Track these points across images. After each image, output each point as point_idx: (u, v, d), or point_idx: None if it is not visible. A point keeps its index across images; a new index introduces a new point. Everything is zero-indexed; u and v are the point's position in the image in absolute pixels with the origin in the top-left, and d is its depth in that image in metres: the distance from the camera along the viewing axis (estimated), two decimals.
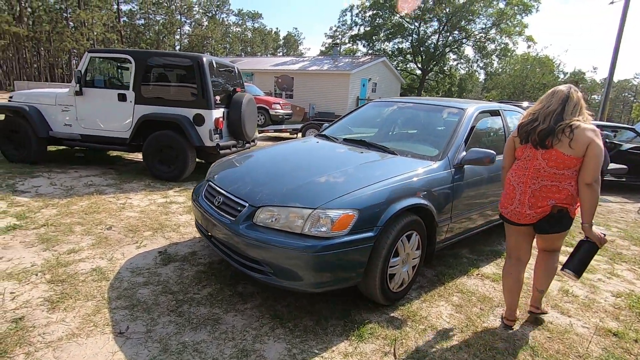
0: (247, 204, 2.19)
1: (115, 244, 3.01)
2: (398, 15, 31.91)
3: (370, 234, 2.05)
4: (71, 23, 42.40)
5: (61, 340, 1.86)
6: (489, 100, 21.96)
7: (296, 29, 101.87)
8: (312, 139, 3.51)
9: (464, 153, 2.70)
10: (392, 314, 2.31)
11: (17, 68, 41.46)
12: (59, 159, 5.90)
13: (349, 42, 41.01)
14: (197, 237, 3.26)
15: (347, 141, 3.22)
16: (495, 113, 3.42)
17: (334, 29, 52.63)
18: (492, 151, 2.57)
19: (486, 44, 32.42)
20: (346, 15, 41.63)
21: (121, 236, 3.16)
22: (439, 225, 2.52)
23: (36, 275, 2.45)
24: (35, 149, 5.27)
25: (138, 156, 6.12)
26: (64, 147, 5.68)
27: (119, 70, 6.13)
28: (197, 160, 5.16)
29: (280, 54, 68.19)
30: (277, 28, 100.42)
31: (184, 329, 2.03)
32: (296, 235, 1.99)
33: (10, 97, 5.51)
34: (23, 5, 39.42)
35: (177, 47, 54.69)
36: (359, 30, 36.99)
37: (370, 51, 35.10)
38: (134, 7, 49.22)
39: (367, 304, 2.37)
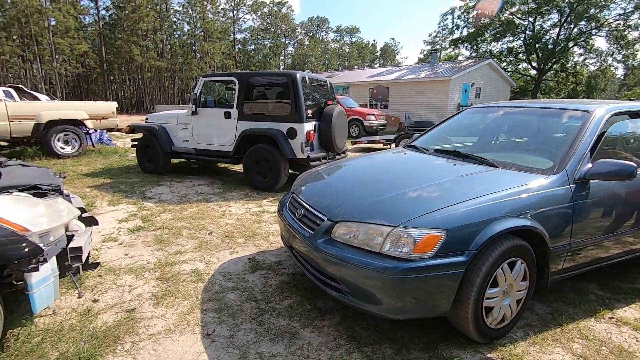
0: (325, 218, 2.14)
1: (213, 248, 3.30)
2: (500, 14, 28.89)
3: (460, 258, 1.78)
4: (198, 54, 49.96)
5: (160, 334, 2.07)
6: (630, 99, 18.14)
7: (393, 39, 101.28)
8: (401, 150, 3.32)
9: (590, 165, 2.19)
10: (488, 355, 1.97)
11: (158, 94, 50.46)
12: (179, 170, 6.86)
13: (449, 47, 38.87)
14: (283, 247, 3.36)
15: (438, 152, 2.94)
16: (636, 115, 2.72)
17: (433, 34, 50.62)
18: (631, 163, 2.03)
19: (626, 32, 27.01)
20: (447, 18, 39.65)
21: (218, 241, 3.45)
22: (553, 253, 2.08)
23: (149, 272, 2.82)
24: (162, 162, 6.23)
25: (240, 168, 6.73)
26: (183, 159, 6.58)
27: (227, 91, 6.88)
28: (290, 171, 5.41)
29: (377, 65, 68.42)
30: (374, 40, 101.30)
31: (262, 338, 2.06)
32: (375, 254, 1.85)
33: (146, 119, 6.64)
34: (165, 43, 48.06)
35: (282, 67, 59.53)
36: (461, 33, 34.80)
37: (474, 54, 32.59)
38: (246, 35, 55.51)
39: (459, 339, 2.07)
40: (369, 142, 10.59)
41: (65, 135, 7.70)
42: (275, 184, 5.26)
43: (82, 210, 2.49)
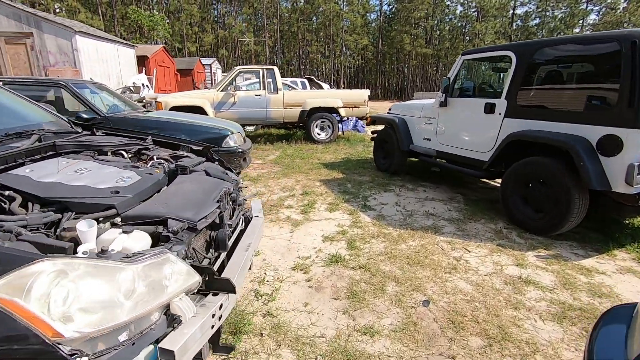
0: None
1: (421, 342, 1.93)
2: None
3: None
4: (467, 37, 46.79)
5: None
6: None
7: None
8: None
9: None
10: None
11: (420, 81, 51.61)
12: (416, 170, 5.74)
13: None
14: None
15: None
16: None
17: None
18: None
19: None
20: None
21: (434, 329, 2.04)
22: None
23: (317, 357, 1.82)
24: (397, 160, 5.28)
25: (497, 184, 4.82)
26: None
27: (496, 73, 5.00)
28: (588, 209, 3.11)
29: None
30: None
31: None
32: None
33: (389, 109, 5.84)
34: (434, 29, 47.83)
35: None
36: None
37: None
38: (530, 8, 46.68)
39: None
40: None
41: (322, 122, 8.20)
42: (556, 227, 3.14)
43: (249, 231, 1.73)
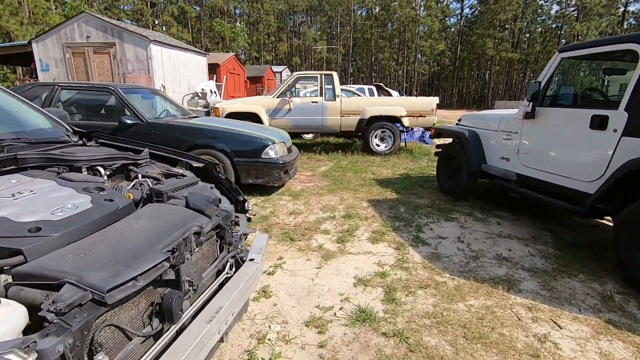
0: None
1: None
2: None
3: None
4: (563, 40, 41.58)
5: None
6: None
7: None
8: None
9: None
10: None
11: (503, 89, 47.24)
12: (488, 193, 4.74)
13: None
14: None
15: None
16: None
17: None
18: None
19: None
20: None
21: None
22: None
23: None
24: (465, 182, 4.37)
25: (606, 222, 3.66)
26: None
27: (607, 77, 3.85)
28: None
29: None
30: None
31: None
32: None
33: (459, 120, 4.94)
34: (523, 32, 43.49)
35: None
36: None
37: None
38: None
39: None
40: None
41: (382, 132, 7.48)
42: None
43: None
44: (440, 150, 4.98)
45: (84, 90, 4.55)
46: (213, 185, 1.92)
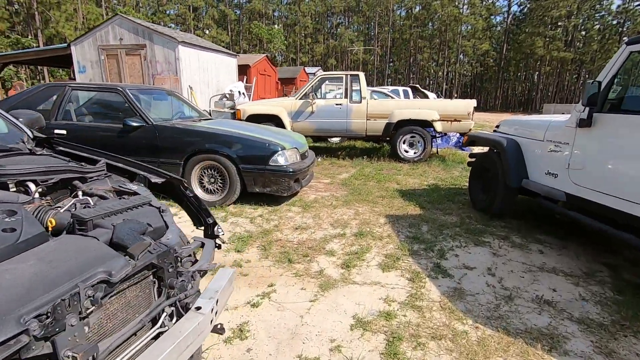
0: None
1: None
2: None
3: None
4: (625, 37, 37.93)
5: None
6: None
7: None
8: None
9: None
10: None
11: (553, 91, 44.00)
12: (530, 211, 4.07)
13: None
14: None
15: None
16: None
17: None
18: None
19: None
20: None
21: None
22: None
23: None
24: (501, 198, 3.77)
25: None
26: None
27: None
28: None
29: None
30: None
31: None
32: None
33: (496, 127, 4.31)
34: (578, 29, 40.25)
35: None
36: None
37: None
38: None
39: None
40: None
41: (411, 137, 6.90)
42: None
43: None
44: (473, 160, 4.38)
45: (93, 91, 4.45)
46: (166, 208, 1.57)
